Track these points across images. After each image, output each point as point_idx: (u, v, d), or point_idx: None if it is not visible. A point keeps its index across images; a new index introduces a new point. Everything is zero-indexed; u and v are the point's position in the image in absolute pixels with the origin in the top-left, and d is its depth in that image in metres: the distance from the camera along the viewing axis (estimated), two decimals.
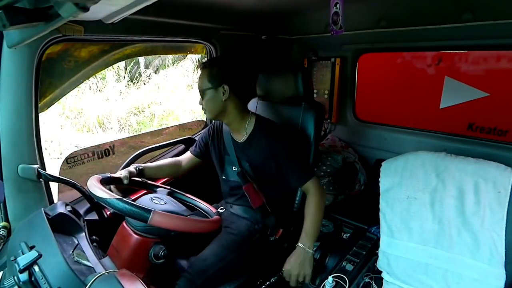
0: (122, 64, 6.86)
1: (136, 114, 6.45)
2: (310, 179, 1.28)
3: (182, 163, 1.53)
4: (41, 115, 1.23)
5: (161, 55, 6.97)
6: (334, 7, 1.31)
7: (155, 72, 7.37)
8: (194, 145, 1.54)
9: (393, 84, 1.93)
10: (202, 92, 1.28)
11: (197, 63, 7.17)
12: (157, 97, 6.78)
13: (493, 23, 1.22)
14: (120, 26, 1.16)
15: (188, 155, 1.54)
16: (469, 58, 1.64)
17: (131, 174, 1.29)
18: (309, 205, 1.27)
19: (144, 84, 7.18)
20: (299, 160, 1.30)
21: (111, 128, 6.11)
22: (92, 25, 1.13)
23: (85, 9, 0.53)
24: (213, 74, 1.26)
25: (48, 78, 1.41)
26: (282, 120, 1.48)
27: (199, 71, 1.31)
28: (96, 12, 1.02)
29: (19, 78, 1.10)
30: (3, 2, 0.56)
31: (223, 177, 1.44)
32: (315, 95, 2.15)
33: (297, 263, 1.20)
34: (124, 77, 6.96)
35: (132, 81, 7.13)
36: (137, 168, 1.35)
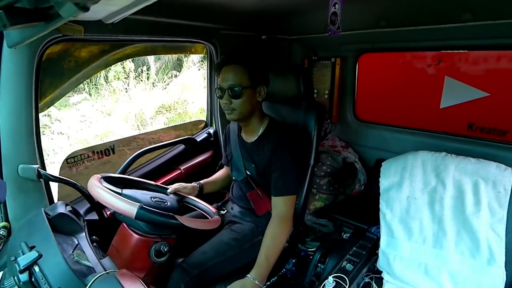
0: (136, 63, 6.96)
1: (163, 112, 6.58)
2: (286, 196, 1.19)
3: (229, 173, 1.50)
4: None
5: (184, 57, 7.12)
6: (333, 7, 1.31)
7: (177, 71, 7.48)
8: (224, 156, 1.54)
9: (393, 84, 1.94)
10: (239, 91, 1.16)
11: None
12: (180, 96, 6.90)
13: (493, 23, 1.22)
14: (120, 26, 1.16)
15: (226, 168, 1.55)
16: (469, 58, 1.64)
17: (194, 190, 1.36)
18: (267, 231, 1.17)
19: (168, 84, 7.31)
20: (291, 171, 1.21)
21: (152, 124, 6.27)
22: (92, 25, 1.13)
23: (85, 9, 0.53)
24: (254, 71, 1.17)
25: (48, 78, 1.41)
26: (282, 120, 1.48)
27: (231, 66, 1.17)
28: (96, 12, 1.02)
29: (20, 78, 1.10)
30: (3, 2, 0.56)
31: (233, 177, 1.41)
32: (315, 95, 2.15)
33: (238, 284, 1.07)
34: (149, 77, 7.08)
35: (159, 81, 7.29)
36: (199, 186, 1.39)
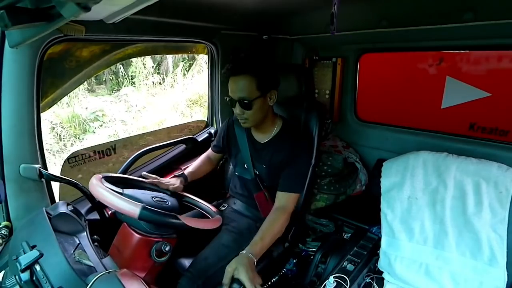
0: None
1: (192, 106, 6.86)
2: (291, 192, 1.22)
3: (211, 158, 1.54)
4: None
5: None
6: (333, 7, 1.31)
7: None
8: (215, 141, 1.54)
9: (394, 84, 1.93)
10: (249, 103, 1.15)
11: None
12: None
13: (494, 23, 1.22)
14: (121, 26, 1.16)
15: (211, 153, 1.55)
16: (471, 58, 1.64)
17: (182, 183, 1.32)
18: (266, 219, 1.16)
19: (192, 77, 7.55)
20: (302, 173, 1.26)
21: (192, 116, 6.59)
22: (93, 25, 1.13)
23: (87, 9, 0.53)
24: (262, 80, 1.15)
25: (49, 78, 1.41)
26: None
27: (238, 78, 1.15)
28: (97, 12, 1.02)
29: (21, 78, 1.10)
30: (4, 2, 0.57)
31: (236, 173, 1.43)
32: (316, 95, 2.15)
33: (235, 261, 1.02)
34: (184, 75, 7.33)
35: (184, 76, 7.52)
36: (183, 177, 1.36)
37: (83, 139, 5.25)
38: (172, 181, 1.32)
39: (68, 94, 5.55)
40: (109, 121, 5.67)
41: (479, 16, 1.24)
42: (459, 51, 1.66)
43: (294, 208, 1.24)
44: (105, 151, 1.55)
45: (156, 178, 1.31)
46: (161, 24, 1.43)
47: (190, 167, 1.47)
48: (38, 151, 1.20)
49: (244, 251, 1.04)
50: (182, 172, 1.41)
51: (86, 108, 5.68)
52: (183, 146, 1.79)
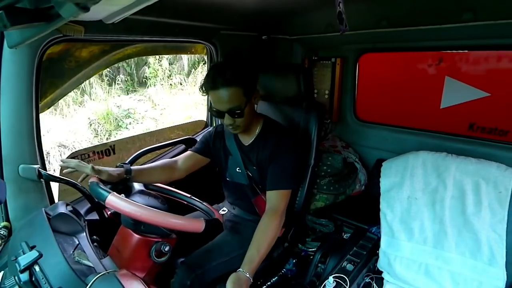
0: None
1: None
2: (279, 190, 1.17)
3: (177, 163, 1.33)
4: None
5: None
6: (338, 6, 1.31)
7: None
8: (195, 144, 1.44)
9: (393, 84, 1.93)
10: (241, 111, 1.13)
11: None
12: None
13: (494, 23, 1.22)
14: (120, 26, 1.16)
15: (187, 153, 1.38)
16: (470, 58, 1.64)
17: (114, 175, 1.11)
18: (259, 225, 1.11)
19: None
20: (287, 167, 1.20)
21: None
22: (92, 25, 1.13)
23: (86, 9, 0.53)
24: (246, 87, 1.12)
25: (49, 78, 1.41)
26: (283, 120, 1.48)
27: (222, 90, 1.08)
28: (96, 12, 1.02)
29: (20, 78, 1.10)
30: (3, 2, 0.57)
31: (227, 178, 1.39)
32: (315, 95, 2.15)
33: (236, 278, 0.97)
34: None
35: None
36: (126, 170, 1.16)
37: (116, 134, 5.79)
38: (98, 168, 1.09)
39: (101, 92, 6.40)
40: (139, 118, 6.29)
41: (479, 16, 1.24)
42: (458, 51, 1.66)
43: (286, 205, 1.18)
44: (104, 151, 1.55)
45: (79, 162, 1.10)
46: (160, 24, 1.43)
47: (145, 166, 1.28)
48: (37, 152, 1.20)
49: (242, 270, 1.00)
50: (129, 165, 1.19)
51: (119, 106, 6.26)
52: (182, 146, 1.79)
